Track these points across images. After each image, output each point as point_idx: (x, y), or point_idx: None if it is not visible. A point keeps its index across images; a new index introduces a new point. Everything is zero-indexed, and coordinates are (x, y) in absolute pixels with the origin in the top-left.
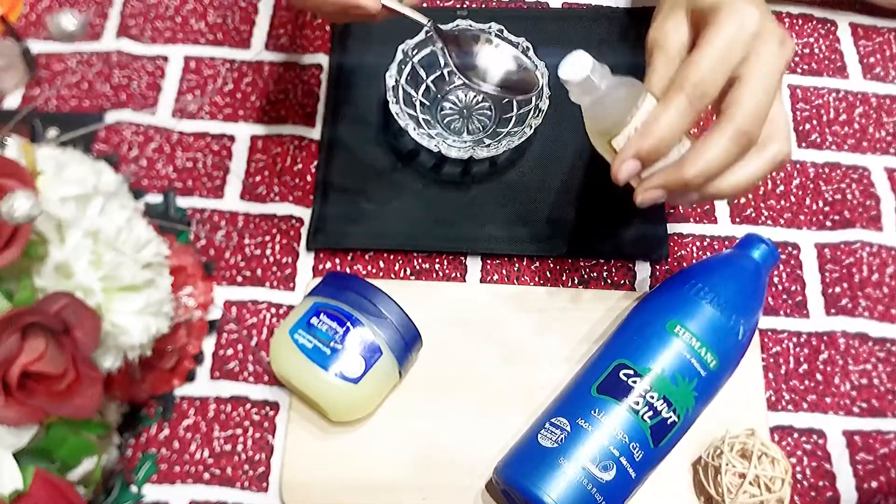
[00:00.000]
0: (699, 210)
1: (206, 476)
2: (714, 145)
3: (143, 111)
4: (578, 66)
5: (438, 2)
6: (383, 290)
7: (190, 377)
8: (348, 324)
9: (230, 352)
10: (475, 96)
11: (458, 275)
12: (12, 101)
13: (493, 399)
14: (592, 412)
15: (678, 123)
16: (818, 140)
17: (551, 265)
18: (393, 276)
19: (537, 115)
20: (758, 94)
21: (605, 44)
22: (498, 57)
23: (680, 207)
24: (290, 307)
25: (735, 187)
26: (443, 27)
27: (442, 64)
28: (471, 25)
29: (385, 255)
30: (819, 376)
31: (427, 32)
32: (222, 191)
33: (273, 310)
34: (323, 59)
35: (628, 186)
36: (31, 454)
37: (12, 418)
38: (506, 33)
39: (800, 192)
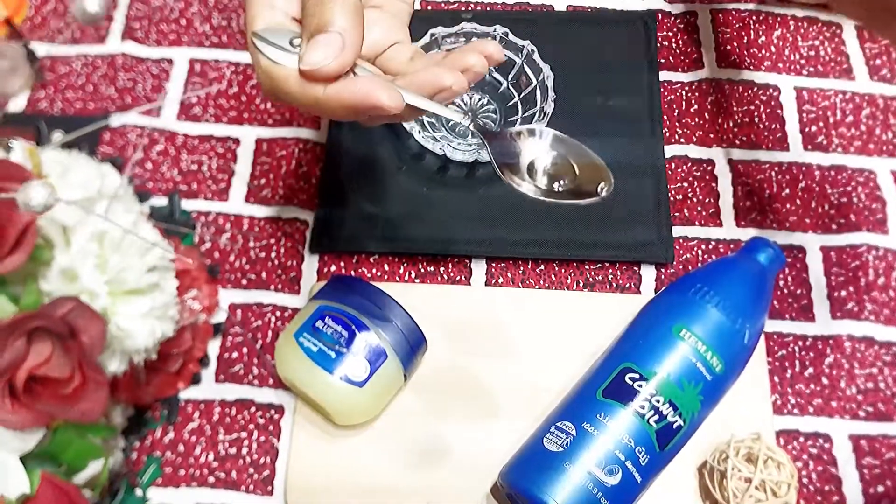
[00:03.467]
0: (705, 214)
1: (211, 479)
2: None
3: (147, 107)
4: None
5: (443, 5)
6: (388, 294)
7: (195, 380)
8: (353, 327)
9: (235, 355)
10: (480, 99)
11: (463, 278)
12: (18, 104)
13: (498, 402)
14: (598, 416)
15: None
16: (824, 142)
17: (556, 268)
18: (398, 279)
19: (542, 118)
20: None
21: (609, 47)
22: (544, 151)
23: (686, 211)
24: (296, 310)
25: None
26: (447, 30)
27: (488, 159)
28: (475, 28)
29: (390, 258)
30: (825, 380)
31: (465, 129)
32: (227, 194)
33: (278, 313)
34: None
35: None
36: (38, 458)
37: (19, 422)
38: (511, 36)
39: (805, 196)
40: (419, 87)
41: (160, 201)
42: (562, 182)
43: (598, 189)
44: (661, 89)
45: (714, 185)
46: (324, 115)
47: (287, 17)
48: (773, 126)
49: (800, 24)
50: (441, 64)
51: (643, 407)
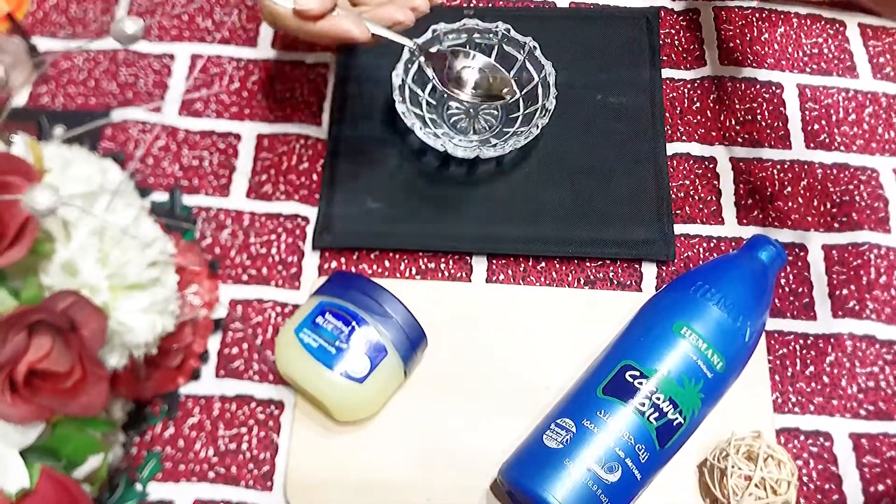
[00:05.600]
0: (706, 212)
1: (211, 475)
2: None
3: (149, 107)
4: None
5: (446, 1)
6: (389, 290)
7: (195, 376)
8: (354, 323)
9: (235, 350)
10: None
11: (464, 275)
12: (19, 99)
13: (498, 399)
14: (598, 413)
15: None
16: (827, 140)
17: (557, 266)
18: (398, 275)
19: (544, 115)
20: None
21: (612, 43)
22: (475, 66)
23: (687, 209)
24: (296, 306)
25: None
26: (449, 27)
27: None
28: (477, 25)
29: (391, 254)
30: (826, 378)
31: (412, 51)
32: (228, 189)
33: (278, 309)
34: (329, 57)
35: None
36: (38, 452)
37: (19, 416)
38: (513, 33)
39: (807, 194)
40: (380, 19)
41: (161, 196)
42: (482, 90)
43: (504, 93)
44: (664, 86)
45: (716, 182)
46: (314, 41)
47: None
48: (776, 124)
49: (803, 21)
50: (395, 3)
51: (643, 404)
